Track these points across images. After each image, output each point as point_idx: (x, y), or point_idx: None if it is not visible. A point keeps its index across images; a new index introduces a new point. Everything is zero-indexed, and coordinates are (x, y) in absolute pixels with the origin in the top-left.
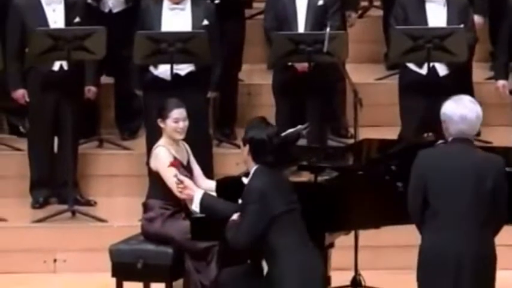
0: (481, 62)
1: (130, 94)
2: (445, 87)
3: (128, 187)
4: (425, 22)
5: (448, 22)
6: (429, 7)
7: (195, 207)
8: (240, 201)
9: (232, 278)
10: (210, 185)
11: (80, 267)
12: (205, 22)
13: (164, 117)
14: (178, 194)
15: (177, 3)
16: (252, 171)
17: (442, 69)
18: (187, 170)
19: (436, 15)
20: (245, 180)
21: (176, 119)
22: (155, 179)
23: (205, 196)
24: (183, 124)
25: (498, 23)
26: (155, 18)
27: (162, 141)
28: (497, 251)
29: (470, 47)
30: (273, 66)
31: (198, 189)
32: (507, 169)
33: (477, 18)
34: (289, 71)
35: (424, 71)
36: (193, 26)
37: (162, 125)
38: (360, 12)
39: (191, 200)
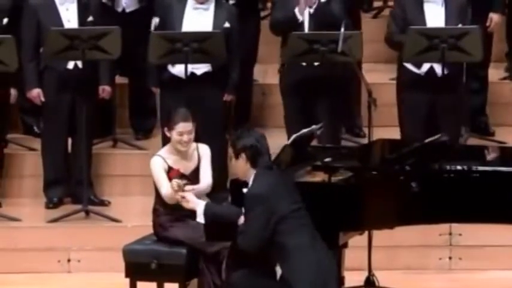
0: (497, 62)
1: (144, 94)
2: (445, 86)
3: (142, 187)
4: (424, 22)
5: (446, 22)
6: (427, 7)
7: (200, 219)
8: (243, 209)
9: (243, 279)
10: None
11: (94, 267)
12: (227, 24)
13: (170, 128)
14: (169, 202)
15: (201, 3)
16: (252, 178)
17: (439, 70)
18: (190, 179)
19: (434, 15)
20: (245, 190)
21: (181, 133)
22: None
23: (208, 207)
24: (188, 137)
25: None
26: (177, 16)
27: (164, 149)
28: (497, 251)
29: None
30: (288, 65)
31: (200, 201)
32: None
33: (495, 17)
34: (300, 71)
35: (422, 71)
36: (214, 27)
37: (168, 134)
38: (374, 12)
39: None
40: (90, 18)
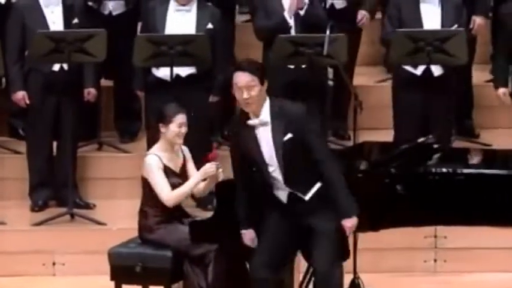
0: (482, 64)
1: (129, 97)
2: (439, 88)
3: (127, 190)
4: (420, 22)
5: (443, 22)
6: (424, 7)
7: None
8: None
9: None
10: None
11: (79, 270)
12: (210, 26)
13: (168, 122)
14: (166, 203)
15: (183, 5)
16: (267, 104)
17: (436, 70)
18: (180, 177)
19: (431, 16)
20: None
21: (180, 124)
22: (148, 186)
23: None
24: (184, 129)
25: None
26: (160, 19)
27: (156, 148)
28: (482, 253)
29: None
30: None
31: None
32: (507, 172)
33: (479, 20)
34: (287, 74)
35: (419, 71)
36: (198, 29)
37: (163, 130)
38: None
39: None
40: (75, 21)
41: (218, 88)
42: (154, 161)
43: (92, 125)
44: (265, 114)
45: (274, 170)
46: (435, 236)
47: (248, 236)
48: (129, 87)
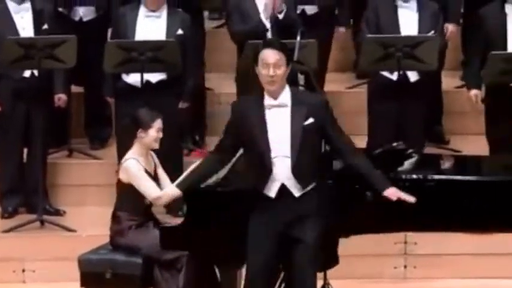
0: (452, 70)
1: (100, 103)
2: (415, 93)
3: (97, 197)
4: (397, 27)
5: (420, 28)
6: (401, 12)
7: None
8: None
9: None
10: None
11: (49, 277)
12: (180, 32)
13: (147, 127)
14: (155, 202)
15: (153, 11)
16: (286, 89)
17: (413, 75)
18: (155, 181)
19: (408, 21)
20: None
21: (158, 129)
22: (124, 191)
23: (177, 185)
24: (161, 134)
25: (471, 32)
26: (130, 25)
27: (132, 152)
28: (452, 259)
29: (440, 53)
30: (242, 74)
31: (166, 190)
32: (477, 178)
33: (451, 27)
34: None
35: (395, 76)
36: (168, 35)
37: (142, 135)
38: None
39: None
40: (45, 27)
41: (188, 94)
42: (136, 164)
43: (62, 132)
44: (285, 97)
45: (277, 157)
46: (405, 242)
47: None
48: (99, 93)
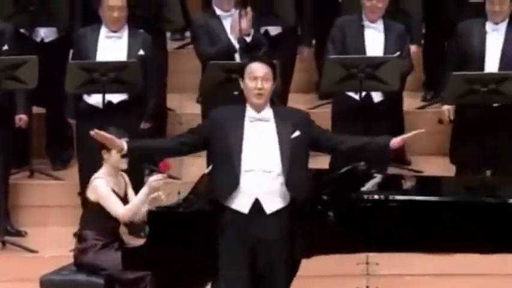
0: (414, 91)
1: (61, 123)
2: (378, 114)
3: (59, 217)
4: (363, 47)
5: (385, 48)
6: (368, 33)
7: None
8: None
9: None
10: None
11: None
12: (141, 52)
13: (110, 147)
14: (123, 219)
15: (114, 31)
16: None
17: (376, 96)
18: (124, 202)
19: (374, 41)
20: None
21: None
22: (91, 210)
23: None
24: None
25: (432, 53)
26: (91, 46)
27: (101, 172)
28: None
29: (406, 74)
30: (205, 94)
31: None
32: (439, 198)
33: (413, 48)
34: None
35: (358, 96)
36: (129, 55)
37: (105, 156)
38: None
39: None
40: (5, 47)
41: (149, 114)
42: (104, 183)
43: (24, 152)
44: (268, 112)
45: (252, 171)
46: (367, 263)
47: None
48: (61, 114)
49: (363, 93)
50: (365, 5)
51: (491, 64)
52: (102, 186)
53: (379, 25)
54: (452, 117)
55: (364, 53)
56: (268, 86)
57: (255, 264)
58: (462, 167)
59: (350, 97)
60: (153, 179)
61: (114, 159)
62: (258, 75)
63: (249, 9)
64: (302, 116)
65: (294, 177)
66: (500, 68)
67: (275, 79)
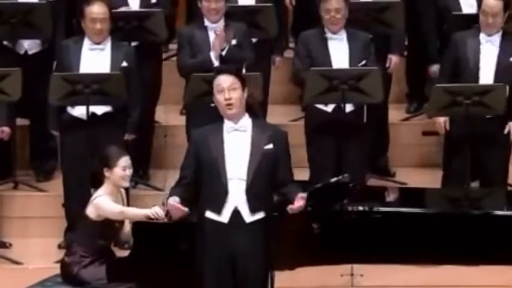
0: (397, 103)
1: (45, 135)
2: (352, 124)
3: (43, 229)
4: (329, 59)
5: (351, 58)
6: (331, 44)
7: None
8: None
9: None
10: None
11: None
12: (124, 64)
13: (111, 166)
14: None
15: (97, 43)
16: (246, 116)
17: (348, 106)
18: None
19: (339, 52)
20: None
21: (124, 167)
22: (87, 226)
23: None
24: (129, 171)
25: (415, 64)
26: (74, 57)
27: (102, 190)
28: None
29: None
30: (189, 106)
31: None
32: (422, 210)
33: (395, 59)
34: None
35: (329, 108)
36: (112, 67)
37: (108, 174)
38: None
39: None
40: None
41: (133, 126)
42: (107, 199)
43: (7, 164)
44: (245, 122)
45: (232, 179)
46: (351, 274)
47: (172, 203)
48: (44, 126)
49: (334, 105)
50: (324, 18)
51: (486, 75)
52: (106, 201)
53: (342, 35)
54: (448, 128)
55: (330, 64)
56: (236, 95)
57: (235, 274)
58: (455, 178)
59: (320, 109)
60: (156, 211)
61: (116, 177)
62: (224, 87)
63: (220, 28)
64: (280, 133)
65: (255, 187)
66: (495, 80)
67: (244, 88)
